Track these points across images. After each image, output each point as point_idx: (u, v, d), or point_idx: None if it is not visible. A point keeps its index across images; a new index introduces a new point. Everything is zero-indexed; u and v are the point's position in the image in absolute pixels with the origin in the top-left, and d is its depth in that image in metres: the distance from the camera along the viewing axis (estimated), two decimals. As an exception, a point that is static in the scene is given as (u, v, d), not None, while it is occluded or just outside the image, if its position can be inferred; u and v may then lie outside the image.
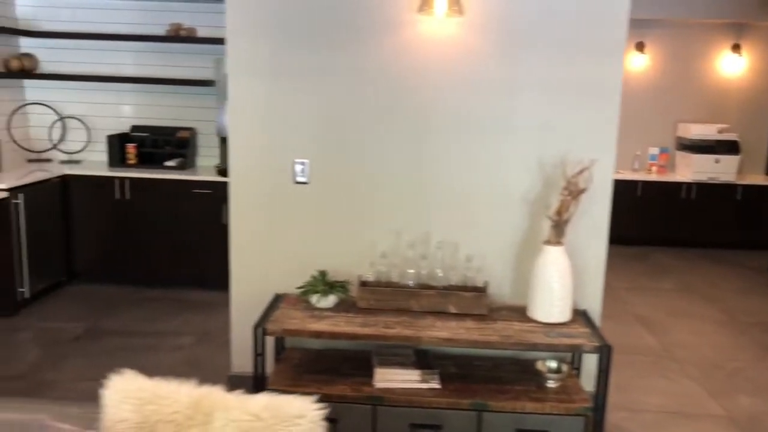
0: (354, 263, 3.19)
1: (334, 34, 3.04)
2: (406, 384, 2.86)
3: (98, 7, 5.21)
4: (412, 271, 3.05)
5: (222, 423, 1.48)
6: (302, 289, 3.03)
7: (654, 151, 7.34)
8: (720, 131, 7.06)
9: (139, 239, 4.95)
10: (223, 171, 4.85)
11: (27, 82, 5.32)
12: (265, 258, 3.25)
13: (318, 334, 2.77)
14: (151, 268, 5.00)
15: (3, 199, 4.20)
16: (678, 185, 6.95)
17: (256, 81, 3.12)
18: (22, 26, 5.21)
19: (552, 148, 3.08)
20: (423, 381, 2.88)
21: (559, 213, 2.90)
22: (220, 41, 4.86)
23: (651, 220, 7.03)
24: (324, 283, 3.00)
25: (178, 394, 1.55)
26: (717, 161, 6.90)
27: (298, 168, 3.15)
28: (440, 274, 3.04)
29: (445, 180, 3.13)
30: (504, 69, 3.02)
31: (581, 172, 2.92)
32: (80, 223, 4.93)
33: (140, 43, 5.22)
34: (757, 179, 7.01)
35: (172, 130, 5.28)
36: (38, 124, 5.38)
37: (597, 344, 2.71)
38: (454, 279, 3.07)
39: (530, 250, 3.14)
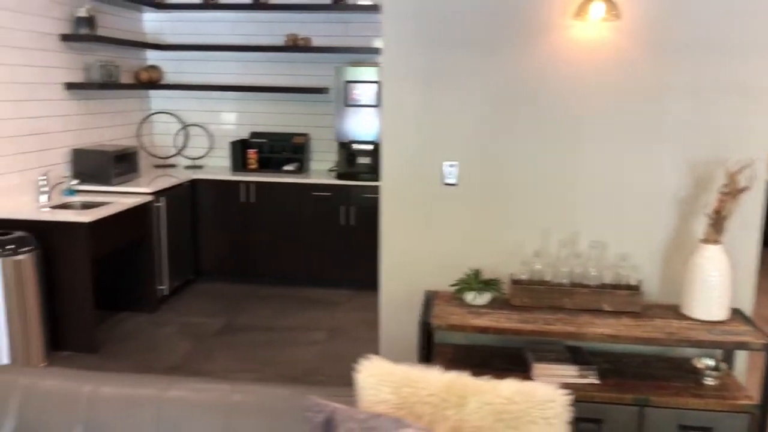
0: (501, 262, 3.28)
1: (487, 40, 3.15)
2: (564, 379, 2.93)
3: (218, 21, 5.48)
4: (565, 269, 3.13)
5: (476, 406, 1.59)
6: (456, 287, 3.14)
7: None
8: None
9: (262, 240, 5.18)
10: (342, 174, 5.03)
11: (153, 93, 5.65)
12: (414, 257, 3.37)
13: (483, 330, 2.88)
14: (273, 266, 5.22)
15: (148, 202, 4.48)
16: None
17: (408, 86, 3.25)
18: (149, 40, 5.54)
19: (702, 148, 3.10)
20: (581, 376, 2.95)
21: (717, 211, 2.93)
22: (333, 50, 5.08)
23: None
24: (478, 282, 3.10)
25: (428, 378, 1.68)
26: None
27: (447, 170, 3.27)
28: (594, 273, 3.10)
29: (594, 180, 3.19)
30: (654, 72, 3.06)
31: (742, 169, 2.94)
32: (207, 223, 5.20)
33: (257, 53, 5.47)
34: None
35: (288, 136, 5.51)
36: (164, 132, 5.70)
37: (764, 341, 2.72)
38: (606, 277, 3.12)
39: (678, 250, 3.17)
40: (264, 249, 5.17)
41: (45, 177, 4.19)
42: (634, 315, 3.00)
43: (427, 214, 3.33)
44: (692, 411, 2.81)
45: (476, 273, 3.17)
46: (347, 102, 4.96)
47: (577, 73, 3.12)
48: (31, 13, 4.19)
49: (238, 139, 5.46)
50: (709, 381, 2.95)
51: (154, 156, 5.63)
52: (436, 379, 1.67)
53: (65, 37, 4.47)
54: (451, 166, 3.27)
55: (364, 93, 4.94)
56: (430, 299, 3.28)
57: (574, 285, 3.11)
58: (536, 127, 3.19)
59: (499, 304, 3.11)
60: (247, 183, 5.11)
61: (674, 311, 3.06)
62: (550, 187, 3.23)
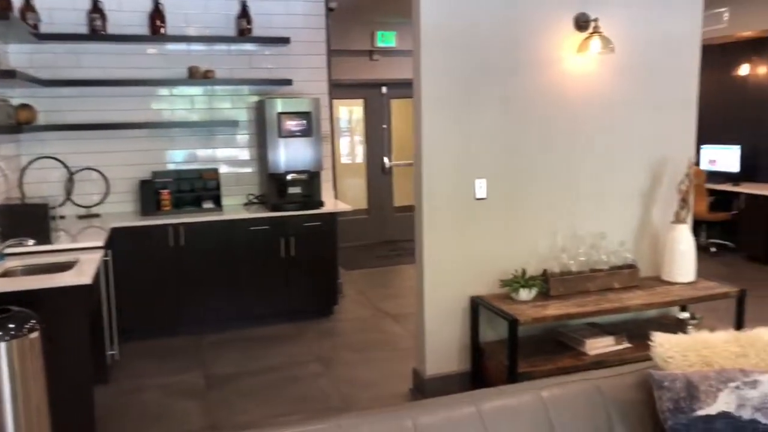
0: (523, 262, 3.77)
1: (505, 72, 3.62)
2: (608, 348, 3.54)
3: (104, 53, 4.98)
4: (583, 259, 3.74)
5: (756, 353, 2.07)
6: (508, 286, 3.54)
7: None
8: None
9: (199, 284, 4.85)
10: (274, 206, 4.98)
11: (27, 135, 4.86)
12: (452, 266, 3.67)
13: (558, 318, 3.34)
14: (214, 311, 4.91)
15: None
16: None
17: (442, 114, 3.55)
18: (17, 75, 4.76)
19: (654, 151, 3.99)
20: (618, 344, 3.58)
21: (684, 199, 3.83)
22: (241, 82, 5.04)
23: None
24: (526, 279, 3.55)
25: (713, 340, 2.10)
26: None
27: (478, 186, 3.65)
28: (604, 259, 3.77)
29: (586, 186, 3.87)
30: (623, 92, 3.87)
31: (692, 166, 3.88)
32: (133, 275, 4.68)
33: (151, 87, 5.10)
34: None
35: (194, 173, 5.22)
36: (43, 180, 4.94)
37: (738, 289, 3.67)
38: (607, 262, 3.81)
39: (646, 232, 4.02)
40: (201, 293, 4.81)
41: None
42: (637, 287, 3.75)
43: (462, 226, 3.66)
44: (697, 352, 3.63)
45: (524, 272, 3.61)
46: (282, 133, 4.92)
47: (572, 99, 3.78)
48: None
49: (140, 179, 4.99)
50: (690, 329, 3.82)
51: (78, 206, 4.88)
52: (721, 338, 2.10)
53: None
54: (480, 183, 3.66)
55: (297, 124, 4.97)
56: (476, 303, 3.63)
57: (593, 271, 3.74)
58: (542, 144, 3.76)
59: (540, 296, 3.60)
60: (176, 226, 4.72)
61: (659, 280, 3.89)
62: (554, 195, 3.82)
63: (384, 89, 8.12)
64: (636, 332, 3.77)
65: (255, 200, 5.40)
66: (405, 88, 8.33)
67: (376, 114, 8.18)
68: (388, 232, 8.31)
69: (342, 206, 5.25)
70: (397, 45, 7.62)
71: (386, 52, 7.77)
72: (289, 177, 5.03)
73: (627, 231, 3.99)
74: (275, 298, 5.02)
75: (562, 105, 3.76)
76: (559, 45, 3.69)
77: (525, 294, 3.52)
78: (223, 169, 5.35)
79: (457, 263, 3.68)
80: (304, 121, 5.00)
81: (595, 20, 3.62)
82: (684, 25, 3.94)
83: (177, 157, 5.28)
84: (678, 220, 3.84)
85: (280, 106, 4.93)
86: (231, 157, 5.39)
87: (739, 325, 3.71)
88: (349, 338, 4.79)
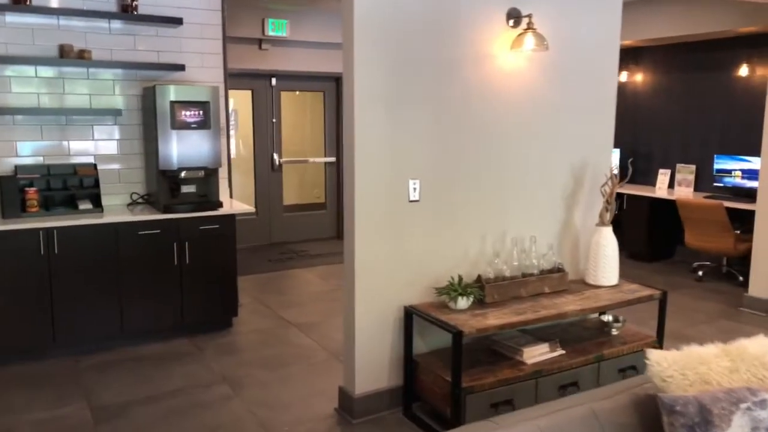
0: (452, 267, 3.56)
1: (438, 68, 3.39)
2: (545, 356, 3.43)
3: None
4: (516, 264, 3.60)
5: (747, 367, 1.98)
6: (445, 294, 3.31)
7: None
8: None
9: (81, 298, 4.17)
10: (166, 207, 4.42)
11: None
12: (384, 273, 3.38)
13: (502, 327, 3.15)
14: (92, 328, 4.25)
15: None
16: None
17: (375, 110, 3.25)
18: None
19: (576, 153, 3.96)
20: (552, 350, 3.48)
21: (608, 201, 3.81)
22: (116, 65, 4.43)
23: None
24: (463, 287, 3.34)
25: (705, 354, 1.98)
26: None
27: (412, 188, 3.39)
28: (535, 263, 3.66)
29: (513, 188, 3.75)
30: (550, 93, 3.78)
31: (613, 169, 3.87)
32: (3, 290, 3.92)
33: (14, 66, 4.33)
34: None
35: (67, 168, 4.51)
36: None
37: (660, 291, 3.71)
38: (536, 266, 3.70)
39: (568, 234, 3.97)
40: (79, 309, 4.12)
41: None
42: (566, 292, 3.68)
43: (395, 230, 3.38)
44: (624, 356, 3.63)
45: (460, 279, 3.39)
46: (175, 125, 4.33)
47: (503, 98, 3.62)
48: None
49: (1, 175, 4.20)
50: (615, 331, 3.83)
51: None
52: (712, 353, 1.99)
53: None
54: (414, 184, 3.40)
55: (193, 114, 4.41)
56: (411, 313, 3.37)
57: (524, 276, 3.61)
58: (472, 144, 3.57)
59: (476, 304, 3.40)
60: (48, 231, 4.00)
61: (584, 283, 3.85)
62: (484, 197, 3.65)
63: (273, 81, 7.64)
64: (564, 337, 3.70)
65: (140, 200, 4.78)
66: (296, 80, 7.96)
67: (265, 107, 7.68)
68: (278, 234, 7.86)
69: (242, 207, 4.77)
70: (288, 34, 7.18)
71: (277, 41, 7.31)
72: (183, 174, 4.47)
73: (552, 234, 3.93)
74: (167, 310, 4.46)
75: (495, 104, 3.60)
76: (492, 41, 3.52)
77: (463, 302, 3.31)
78: (103, 165, 4.67)
79: (389, 270, 3.40)
80: (201, 112, 4.47)
81: (529, 16, 3.49)
82: (606, 26, 3.93)
83: (46, 150, 4.52)
84: (602, 222, 3.82)
85: (173, 94, 4.36)
86: (112, 151, 4.72)
87: (661, 327, 3.76)
88: (256, 353, 4.34)
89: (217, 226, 4.57)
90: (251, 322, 4.94)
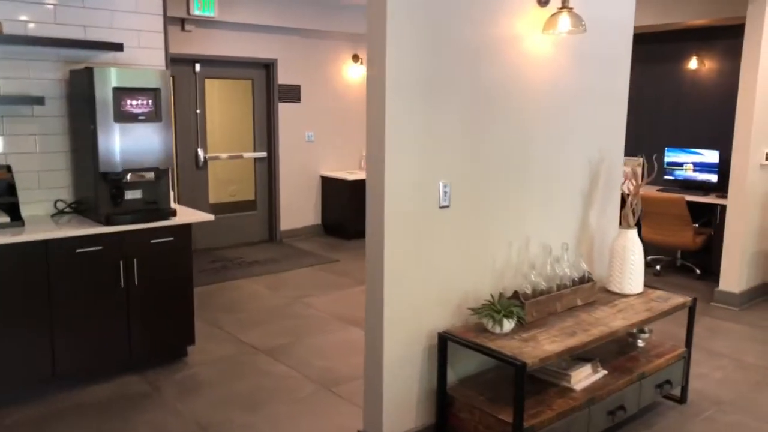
0: (484, 283, 3.09)
1: (470, 52, 2.88)
2: (590, 378, 3.04)
3: None
4: (551, 274, 3.18)
5: None
6: (488, 316, 2.83)
7: (374, 150, 8.25)
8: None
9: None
10: (109, 218, 3.60)
11: None
12: (413, 292, 2.84)
13: (561, 354, 2.71)
14: (28, 372, 3.37)
15: None
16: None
17: (407, 99, 2.69)
18: None
19: (592, 147, 3.60)
20: (595, 371, 3.10)
21: (631, 201, 3.48)
22: (32, 41, 3.59)
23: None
24: (506, 308, 2.86)
25: None
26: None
27: (442, 192, 2.86)
28: (568, 273, 3.25)
29: (542, 187, 3.32)
30: (574, 81, 3.39)
31: (637, 165, 3.55)
32: None
33: None
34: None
35: (-30, 171, 3.56)
36: None
37: (691, 298, 3.43)
38: (568, 276, 3.31)
39: (586, 236, 3.62)
40: (0, 350, 3.22)
41: None
42: (597, 303, 3.32)
43: (424, 241, 2.84)
44: (661, 371, 3.32)
45: (500, 296, 2.93)
46: (118, 117, 3.50)
47: (529, 86, 3.18)
48: None
49: None
50: (641, 342, 3.52)
51: None
52: None
53: None
54: (445, 187, 2.88)
55: (141, 104, 3.59)
56: (446, 340, 2.86)
57: (559, 288, 3.20)
58: (502, 140, 3.10)
59: (516, 325, 2.95)
60: (-45, 252, 3.07)
61: (607, 291, 3.51)
62: (512, 201, 3.20)
63: (198, 67, 6.77)
64: (597, 353, 3.34)
65: (68, 209, 3.89)
66: (224, 66, 7.09)
67: (188, 97, 6.80)
68: (204, 240, 7.01)
69: (199, 215, 4.01)
70: (216, 14, 6.36)
71: (203, 22, 6.46)
72: (129, 177, 3.66)
73: (571, 237, 3.55)
74: (112, 343, 3.65)
75: (522, 93, 3.15)
76: (520, 22, 3.05)
77: (508, 325, 2.84)
78: (18, 166, 3.74)
79: (419, 289, 2.86)
80: (150, 101, 3.68)
81: (563, -7, 3.06)
82: (620, 8, 3.59)
83: (-60, 148, 3.54)
84: (627, 224, 3.49)
85: (115, 78, 3.54)
86: (29, 149, 3.80)
87: (689, 336, 3.49)
88: (226, 389, 3.64)
89: (170, 238, 3.80)
90: (209, 350, 4.20)
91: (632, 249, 3.46)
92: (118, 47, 3.83)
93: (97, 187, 3.64)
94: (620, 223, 3.54)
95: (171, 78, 4.15)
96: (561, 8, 3.04)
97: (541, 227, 3.36)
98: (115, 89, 3.53)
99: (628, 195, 3.52)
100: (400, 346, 2.83)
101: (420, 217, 2.80)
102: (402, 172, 2.71)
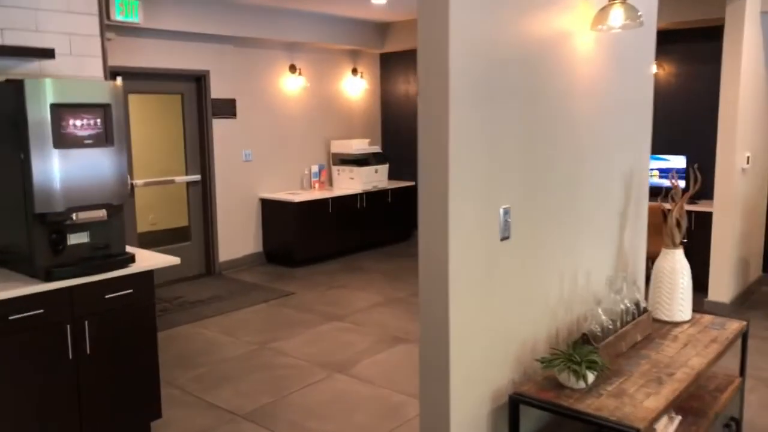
0: (533, 322, 2.59)
1: (524, 59, 2.38)
2: (669, 429, 2.60)
3: None
4: (618, 310, 2.72)
5: None
6: (571, 369, 2.32)
7: (315, 168, 7.63)
8: (369, 145, 7.91)
9: None
10: (51, 272, 2.80)
11: None
12: (476, 345, 2.28)
13: (664, 410, 2.24)
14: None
15: None
16: (354, 197, 7.46)
17: (471, 113, 2.14)
18: None
19: (625, 160, 3.21)
20: (671, 420, 2.67)
21: (677, 218, 3.11)
22: None
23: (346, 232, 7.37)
24: (582, 356, 2.37)
25: None
26: (376, 171, 7.72)
27: (503, 220, 2.33)
28: (628, 306, 2.81)
29: (586, 206, 2.87)
30: (611, 85, 2.98)
31: (676, 177, 3.18)
32: None
33: None
34: (402, 183, 8.14)
35: None
36: None
37: (745, 322, 3.10)
38: (628, 310, 2.87)
39: (620, 259, 3.21)
40: None
41: None
42: (656, 337, 2.90)
43: (485, 281, 2.30)
44: (726, 408, 2.95)
45: (575, 344, 2.43)
46: (59, 141, 2.70)
47: (578, 94, 2.73)
48: None
49: None
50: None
51: None
52: None
53: None
54: (507, 216, 2.35)
55: (87, 125, 2.80)
56: (518, 403, 2.32)
57: (622, 324, 2.76)
58: (553, 161, 2.62)
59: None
60: None
61: (656, 320, 3.10)
62: (562, 226, 2.72)
63: (119, 80, 5.87)
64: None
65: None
66: (149, 79, 6.20)
67: (108, 115, 5.90)
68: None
69: (162, 259, 3.26)
70: (142, 21, 5.53)
71: (126, 29, 5.62)
72: (75, 218, 2.87)
73: (610, 261, 3.13)
74: (60, 427, 2.84)
75: (573, 103, 2.68)
76: (569, 18, 2.59)
77: (591, 378, 2.34)
78: None
79: (485, 343, 2.31)
80: (98, 120, 2.92)
81: (610, -17, 2.63)
82: (644, 1, 3.23)
83: None
84: (673, 244, 3.11)
85: (52, 93, 2.75)
86: (-70, 187, 2.93)
87: (743, 362, 3.15)
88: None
89: (129, 290, 3.04)
90: (178, 421, 3.44)
91: (681, 272, 3.08)
92: (49, 54, 3.05)
93: (32, 233, 2.82)
94: (667, 244, 3.15)
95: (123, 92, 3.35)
96: (612, 1, 2.60)
97: (590, 254, 2.91)
98: (54, 106, 2.74)
99: (669, 210, 3.15)
100: (464, 416, 2.26)
101: (482, 253, 2.26)
102: (465, 202, 2.16)
